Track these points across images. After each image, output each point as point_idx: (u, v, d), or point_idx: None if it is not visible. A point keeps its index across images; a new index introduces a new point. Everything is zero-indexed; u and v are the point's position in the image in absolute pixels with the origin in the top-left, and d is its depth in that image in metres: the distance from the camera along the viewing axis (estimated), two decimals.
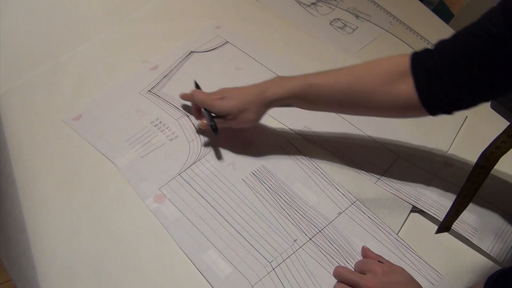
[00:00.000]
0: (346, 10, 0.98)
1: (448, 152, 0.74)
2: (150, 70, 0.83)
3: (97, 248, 0.60)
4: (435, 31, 0.94)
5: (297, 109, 0.76)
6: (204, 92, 0.70)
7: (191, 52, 0.87)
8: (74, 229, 0.61)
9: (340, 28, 0.94)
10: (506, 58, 0.47)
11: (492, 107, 0.81)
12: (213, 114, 0.67)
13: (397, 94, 0.56)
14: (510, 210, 0.66)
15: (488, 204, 0.66)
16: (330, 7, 0.98)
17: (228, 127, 0.67)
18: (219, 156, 0.70)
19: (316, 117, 0.77)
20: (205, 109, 0.67)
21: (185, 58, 0.86)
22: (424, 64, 0.55)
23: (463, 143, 0.76)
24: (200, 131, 0.73)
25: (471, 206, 0.65)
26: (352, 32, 0.93)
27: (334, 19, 0.96)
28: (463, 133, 0.77)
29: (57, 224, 0.62)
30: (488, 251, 0.61)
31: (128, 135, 0.73)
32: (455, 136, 0.76)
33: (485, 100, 0.55)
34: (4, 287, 1.20)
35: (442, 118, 0.73)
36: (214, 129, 0.66)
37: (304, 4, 0.98)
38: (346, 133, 0.75)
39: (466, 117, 0.79)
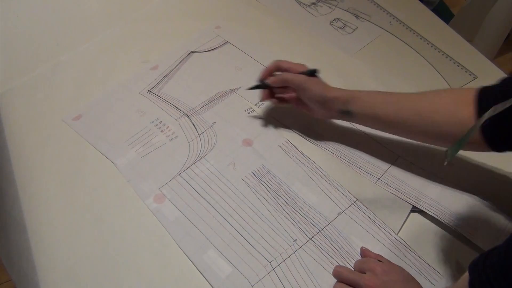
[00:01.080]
0: (346, 10, 0.98)
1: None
2: (150, 70, 0.83)
3: (97, 248, 0.60)
4: (435, 31, 0.94)
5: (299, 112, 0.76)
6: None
7: (191, 52, 0.87)
8: (74, 229, 0.61)
9: (340, 28, 0.94)
10: None
11: None
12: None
13: (460, 120, 0.56)
14: (510, 211, 0.66)
15: (489, 204, 0.66)
16: (330, 7, 0.98)
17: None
18: (219, 156, 0.70)
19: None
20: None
21: (185, 58, 0.86)
22: (489, 96, 0.55)
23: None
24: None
25: (471, 206, 0.65)
26: (352, 32, 0.93)
27: (334, 19, 0.96)
28: None
29: (57, 224, 0.62)
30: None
31: (128, 135, 0.73)
32: None
33: None
34: (4, 287, 1.20)
35: None
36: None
37: (304, 4, 0.98)
38: (346, 133, 0.74)
39: None
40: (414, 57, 0.89)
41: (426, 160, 0.72)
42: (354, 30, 0.93)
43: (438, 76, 0.85)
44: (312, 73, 0.69)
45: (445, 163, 0.57)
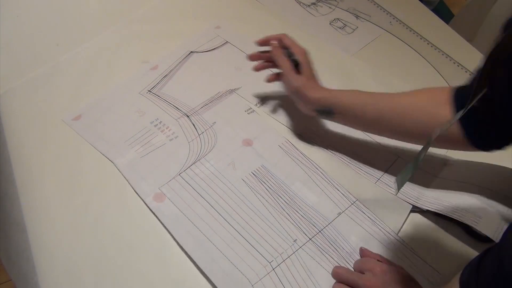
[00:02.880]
0: (346, 10, 0.98)
1: (448, 152, 0.74)
2: (150, 70, 0.83)
3: (97, 247, 0.60)
4: (435, 31, 0.94)
5: (293, 106, 0.76)
6: None
7: (191, 52, 0.87)
8: (74, 228, 0.61)
9: (340, 28, 0.94)
10: None
11: None
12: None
13: (439, 121, 0.57)
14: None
15: (490, 196, 0.66)
16: (330, 7, 0.98)
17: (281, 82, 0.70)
18: (219, 156, 0.70)
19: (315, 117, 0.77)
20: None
21: (185, 58, 0.86)
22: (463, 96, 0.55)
23: None
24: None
25: (472, 199, 0.65)
26: (352, 32, 0.93)
27: (334, 19, 0.96)
28: None
29: (57, 224, 0.62)
30: (492, 238, 0.61)
31: (128, 135, 0.73)
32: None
33: None
34: (4, 287, 1.20)
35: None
36: (297, 63, 0.68)
37: (304, 4, 0.98)
38: (346, 134, 0.75)
39: None
40: (414, 57, 0.89)
41: (425, 160, 0.71)
42: (354, 30, 0.94)
43: (438, 76, 0.86)
44: (295, 63, 0.69)
45: (396, 194, 0.57)
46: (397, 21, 0.96)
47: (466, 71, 0.87)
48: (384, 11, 0.98)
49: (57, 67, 0.82)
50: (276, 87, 0.77)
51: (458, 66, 0.88)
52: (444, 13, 1.29)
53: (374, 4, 0.99)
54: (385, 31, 0.94)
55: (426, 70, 0.86)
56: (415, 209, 0.65)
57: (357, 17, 0.96)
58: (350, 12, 0.97)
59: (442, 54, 0.90)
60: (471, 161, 0.71)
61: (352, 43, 0.91)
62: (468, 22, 1.25)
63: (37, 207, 0.64)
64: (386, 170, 0.70)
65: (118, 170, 0.68)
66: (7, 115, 0.75)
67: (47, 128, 0.73)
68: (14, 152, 0.70)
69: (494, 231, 0.61)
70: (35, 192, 0.65)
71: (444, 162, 0.73)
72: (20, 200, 0.65)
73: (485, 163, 0.70)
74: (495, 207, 0.64)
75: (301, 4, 0.98)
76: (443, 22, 0.97)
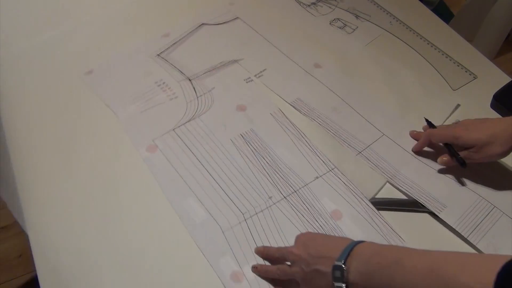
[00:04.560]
0: (346, 10, 0.98)
1: None
2: (161, 37, 0.89)
3: (87, 189, 0.66)
4: (435, 31, 0.94)
5: (292, 80, 0.80)
6: (440, 127, 0.72)
7: (203, 24, 0.92)
8: (68, 170, 0.68)
9: (340, 28, 0.94)
10: None
11: (492, 107, 0.81)
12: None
13: None
14: (482, 193, 0.67)
15: (461, 183, 0.68)
16: (330, 7, 0.99)
17: (473, 162, 0.65)
18: (212, 117, 0.75)
19: (310, 90, 0.80)
20: (446, 144, 0.68)
21: (196, 29, 0.91)
22: None
23: None
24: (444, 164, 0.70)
25: (444, 185, 0.67)
26: (352, 32, 0.93)
27: (334, 19, 0.96)
28: None
29: (50, 164, 0.68)
30: (454, 227, 0.63)
31: (133, 91, 0.79)
32: (444, 122, 0.78)
33: None
34: (4, 287, 1.26)
35: (433, 103, 0.77)
36: (462, 162, 0.65)
37: (304, 4, 0.99)
38: (337, 108, 0.78)
39: (458, 104, 0.80)
40: (414, 57, 0.89)
41: (409, 141, 0.74)
42: (354, 30, 0.94)
43: (438, 76, 0.86)
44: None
45: None
46: (397, 21, 0.96)
47: (466, 71, 0.87)
48: (384, 11, 0.98)
49: (75, 29, 0.89)
50: (273, 64, 0.82)
51: (458, 66, 0.88)
52: (444, 13, 1.28)
53: (374, 4, 1.00)
54: (385, 31, 0.94)
55: (426, 70, 0.87)
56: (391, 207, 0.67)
57: (357, 17, 0.96)
58: (350, 12, 0.97)
59: (442, 54, 0.90)
60: None
61: (352, 43, 0.91)
62: (468, 22, 1.24)
63: (27, 150, 0.70)
64: (369, 145, 0.73)
65: (119, 120, 0.73)
66: (25, 69, 0.82)
67: (60, 81, 0.80)
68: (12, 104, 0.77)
69: (455, 221, 0.64)
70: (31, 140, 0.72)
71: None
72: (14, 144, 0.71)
73: None
74: (463, 197, 0.67)
75: (301, 4, 0.99)
76: (443, 22, 0.97)
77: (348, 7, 0.99)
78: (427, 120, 0.74)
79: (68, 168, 0.68)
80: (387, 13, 0.98)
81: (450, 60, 0.89)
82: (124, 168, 0.68)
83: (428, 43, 0.92)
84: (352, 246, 0.49)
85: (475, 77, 0.87)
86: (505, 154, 0.63)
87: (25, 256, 1.31)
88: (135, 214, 0.64)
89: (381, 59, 0.87)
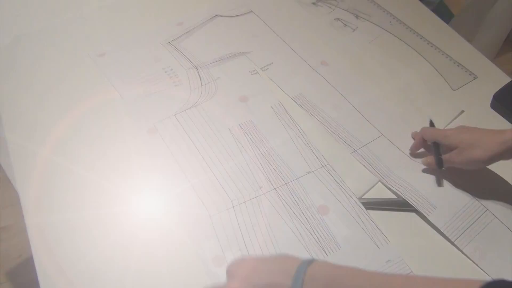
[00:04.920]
0: (346, 10, 0.98)
1: None
2: (175, 26, 0.91)
3: (82, 160, 0.68)
4: (435, 31, 0.94)
5: (296, 75, 0.81)
6: (436, 128, 0.73)
7: (216, 15, 0.94)
8: (70, 146, 0.70)
9: (340, 28, 0.94)
10: None
11: (492, 106, 0.81)
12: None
13: None
14: (476, 194, 0.67)
15: (454, 185, 0.68)
16: (330, 7, 0.99)
17: (453, 165, 0.64)
18: (214, 106, 0.77)
19: (314, 86, 0.81)
20: (434, 143, 0.68)
21: (209, 19, 0.93)
22: None
23: None
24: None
25: (436, 188, 0.67)
26: (352, 32, 0.93)
27: (334, 19, 0.96)
28: None
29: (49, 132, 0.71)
30: (442, 230, 0.63)
31: (141, 75, 0.81)
32: (447, 125, 0.77)
33: None
34: (3, 287, 1.26)
35: (435, 105, 0.77)
36: (439, 163, 0.66)
37: (304, 4, 0.99)
38: (338, 106, 0.78)
39: (462, 111, 0.80)
40: (414, 57, 0.89)
41: (406, 142, 0.74)
42: (354, 30, 0.94)
43: (438, 75, 0.86)
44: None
45: None
46: (397, 21, 0.96)
47: (466, 71, 0.86)
48: (384, 11, 0.98)
49: (90, 13, 0.92)
50: (280, 58, 0.83)
51: (458, 66, 0.87)
52: (444, 13, 1.26)
53: (374, 4, 0.99)
54: (385, 31, 0.94)
55: (426, 70, 0.86)
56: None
57: (357, 17, 0.96)
58: (350, 12, 0.97)
59: (442, 54, 0.89)
60: None
61: (352, 43, 0.91)
62: (468, 22, 1.23)
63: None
64: (366, 144, 0.73)
65: (124, 102, 0.76)
66: (41, 48, 0.86)
67: (73, 62, 0.83)
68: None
69: (444, 223, 0.63)
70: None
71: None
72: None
73: None
74: (454, 200, 0.66)
75: (301, 4, 0.99)
76: (443, 22, 0.96)
77: (348, 7, 0.98)
78: (430, 121, 0.74)
79: (71, 144, 0.71)
80: (387, 13, 0.98)
81: (450, 60, 0.89)
82: (124, 149, 0.71)
83: (428, 43, 0.92)
84: (304, 269, 0.43)
85: (475, 77, 0.86)
86: (487, 162, 0.61)
87: (25, 256, 1.31)
88: (135, 205, 0.65)
89: (381, 59, 0.88)
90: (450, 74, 0.86)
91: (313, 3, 0.99)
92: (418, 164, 0.71)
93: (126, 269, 0.58)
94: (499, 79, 0.85)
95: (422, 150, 0.72)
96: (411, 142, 0.73)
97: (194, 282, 0.58)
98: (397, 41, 0.92)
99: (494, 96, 0.81)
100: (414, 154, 0.73)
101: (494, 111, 0.80)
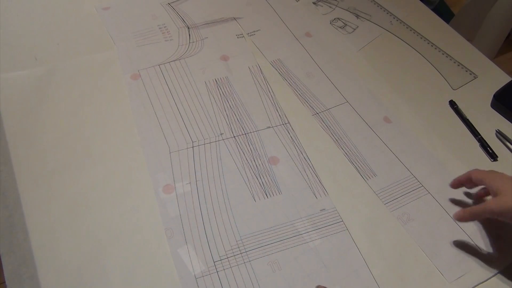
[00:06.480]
0: (346, 10, 0.99)
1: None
2: None
3: (72, 101, 0.76)
4: (436, 30, 0.95)
5: (279, 43, 0.87)
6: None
7: None
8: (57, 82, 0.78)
9: (340, 27, 0.96)
10: None
11: (493, 106, 0.82)
12: None
13: None
14: (415, 172, 0.71)
15: (400, 161, 0.72)
16: (330, 7, 1.00)
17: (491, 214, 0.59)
18: (196, 61, 0.83)
19: (293, 54, 0.86)
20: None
21: None
22: None
23: None
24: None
25: (382, 157, 0.71)
26: (352, 32, 0.95)
27: (335, 19, 0.97)
28: None
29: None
30: (376, 193, 0.68)
31: (136, 29, 0.88)
32: None
33: None
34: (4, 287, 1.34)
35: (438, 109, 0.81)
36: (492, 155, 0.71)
37: (304, 3, 1.00)
38: (311, 74, 0.83)
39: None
40: (414, 56, 0.90)
41: (368, 112, 0.78)
42: (355, 29, 0.95)
43: (439, 75, 0.88)
44: None
45: None
46: (397, 20, 0.97)
47: (466, 71, 0.88)
48: (384, 11, 0.99)
49: None
50: (267, 26, 0.88)
51: (458, 65, 0.89)
52: (445, 13, 1.26)
53: (375, 4, 1.01)
54: (385, 30, 0.95)
55: (426, 70, 0.88)
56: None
57: (357, 17, 0.98)
58: (350, 12, 0.99)
59: (443, 54, 0.91)
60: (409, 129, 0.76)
61: (352, 43, 0.92)
62: (468, 21, 1.23)
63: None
64: (329, 108, 0.78)
65: (117, 51, 0.84)
66: None
67: (79, 14, 0.91)
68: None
69: (379, 189, 0.68)
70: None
71: (385, 118, 0.78)
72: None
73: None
74: (395, 170, 0.71)
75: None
76: (443, 21, 0.97)
77: (349, 7, 1.00)
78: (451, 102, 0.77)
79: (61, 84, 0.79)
80: (387, 13, 0.99)
81: (451, 59, 0.90)
82: (109, 93, 0.78)
83: (428, 43, 0.93)
84: None
85: (475, 77, 0.88)
86: None
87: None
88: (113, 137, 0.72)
89: (382, 58, 0.90)
90: (450, 74, 0.87)
91: (314, 3, 1.01)
92: (373, 136, 0.75)
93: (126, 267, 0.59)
94: (499, 79, 0.86)
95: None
96: (372, 112, 0.77)
97: (144, 205, 0.64)
98: (397, 41, 0.93)
99: (494, 96, 0.82)
100: (454, 186, 0.68)
101: (494, 111, 0.82)
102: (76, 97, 0.76)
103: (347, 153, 0.72)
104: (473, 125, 0.78)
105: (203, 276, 0.58)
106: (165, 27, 0.90)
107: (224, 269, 0.59)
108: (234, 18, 0.92)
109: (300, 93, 0.80)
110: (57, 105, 0.74)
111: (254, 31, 0.90)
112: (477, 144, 0.76)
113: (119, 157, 0.69)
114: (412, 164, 0.72)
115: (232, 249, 0.61)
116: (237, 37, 0.89)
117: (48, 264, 0.58)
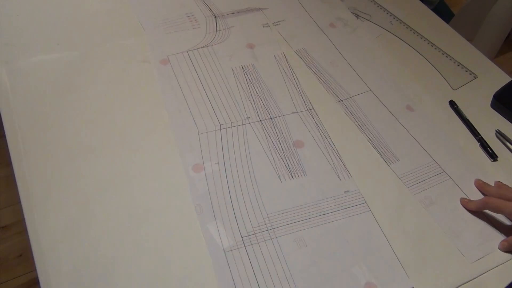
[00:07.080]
0: (347, 10, 1.00)
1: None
2: None
3: (95, 87, 0.79)
4: (436, 30, 0.95)
5: (304, 33, 0.89)
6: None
7: None
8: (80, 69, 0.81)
9: (340, 27, 0.96)
10: None
11: (493, 106, 0.83)
12: None
13: None
14: (437, 158, 0.72)
15: (422, 148, 0.74)
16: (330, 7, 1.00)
17: None
18: (223, 48, 0.86)
19: (318, 43, 0.89)
20: None
21: None
22: None
23: None
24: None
25: (405, 143, 0.73)
26: (352, 32, 0.95)
27: (335, 19, 0.98)
28: None
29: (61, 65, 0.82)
30: (399, 177, 0.70)
31: (165, 17, 0.91)
32: None
33: None
34: (4, 287, 1.26)
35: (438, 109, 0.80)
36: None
37: (304, 3, 1.01)
38: (335, 63, 0.85)
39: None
40: (414, 56, 0.91)
41: (392, 100, 0.80)
42: (355, 29, 0.96)
43: (439, 75, 0.88)
44: None
45: None
46: (397, 20, 0.98)
47: (466, 71, 0.89)
48: (384, 11, 1.00)
49: None
50: (293, 17, 0.91)
51: (458, 65, 0.90)
52: (445, 13, 1.26)
53: (375, 4, 1.01)
54: (385, 30, 0.96)
55: (426, 70, 0.89)
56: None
57: (357, 17, 0.98)
58: (351, 12, 0.99)
59: (443, 54, 0.92)
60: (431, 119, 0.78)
61: (352, 43, 0.92)
62: (468, 21, 1.23)
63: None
64: (353, 96, 0.80)
65: (146, 36, 0.86)
66: None
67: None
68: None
69: (402, 173, 0.70)
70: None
71: (408, 106, 0.80)
72: None
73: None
74: (418, 158, 0.73)
75: (301, 4, 1.01)
76: (443, 21, 0.97)
77: (349, 7, 1.01)
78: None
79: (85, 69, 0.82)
80: (387, 13, 1.00)
81: (451, 59, 0.91)
82: (138, 77, 0.81)
83: (428, 43, 0.94)
84: None
85: (475, 77, 0.88)
86: None
87: (25, 256, 1.31)
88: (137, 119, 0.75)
89: (382, 58, 0.90)
90: (450, 74, 0.88)
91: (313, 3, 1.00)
92: (396, 123, 0.77)
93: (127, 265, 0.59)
94: (499, 79, 0.87)
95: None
96: (396, 100, 0.79)
97: (175, 183, 0.66)
98: (397, 41, 0.94)
99: (494, 96, 0.83)
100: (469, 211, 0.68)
101: (494, 111, 0.83)
102: (106, 81, 0.78)
103: (371, 139, 0.74)
104: (473, 125, 0.79)
105: (231, 250, 0.60)
106: (192, 15, 0.92)
107: (251, 244, 0.61)
108: (260, 9, 0.95)
109: (324, 81, 0.82)
110: (88, 88, 0.77)
111: (279, 21, 0.93)
112: (477, 144, 0.77)
113: (150, 139, 0.71)
114: (434, 150, 0.74)
115: (259, 226, 0.63)
116: (263, 26, 0.91)
117: (84, 238, 0.60)
